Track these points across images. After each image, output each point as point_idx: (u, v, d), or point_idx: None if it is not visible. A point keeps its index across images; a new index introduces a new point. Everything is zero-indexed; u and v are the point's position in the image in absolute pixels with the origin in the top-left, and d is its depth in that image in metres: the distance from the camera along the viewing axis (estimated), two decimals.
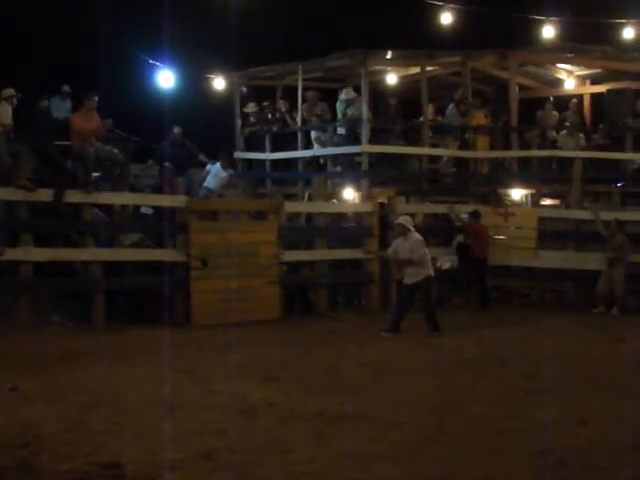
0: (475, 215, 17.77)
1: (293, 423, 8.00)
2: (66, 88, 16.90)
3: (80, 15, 21.72)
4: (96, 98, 15.06)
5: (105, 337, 13.01)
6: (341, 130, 19.33)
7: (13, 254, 13.62)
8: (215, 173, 19.04)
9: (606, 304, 16.80)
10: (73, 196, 14.30)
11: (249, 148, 21.44)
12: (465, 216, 18.03)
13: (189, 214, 14.97)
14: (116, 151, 15.64)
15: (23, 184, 13.78)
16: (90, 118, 15.00)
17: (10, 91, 14.44)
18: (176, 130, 19.08)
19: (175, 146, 18.98)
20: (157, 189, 16.93)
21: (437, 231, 18.72)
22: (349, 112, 19.33)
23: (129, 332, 13.34)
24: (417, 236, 13.88)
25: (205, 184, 18.92)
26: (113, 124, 15.87)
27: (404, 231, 13.91)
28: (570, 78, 22.35)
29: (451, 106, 20.28)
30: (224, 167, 19.15)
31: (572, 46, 20.42)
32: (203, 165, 19.49)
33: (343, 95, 19.60)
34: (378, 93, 21.04)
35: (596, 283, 16.91)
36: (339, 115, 19.64)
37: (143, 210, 16.40)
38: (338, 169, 19.53)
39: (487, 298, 17.31)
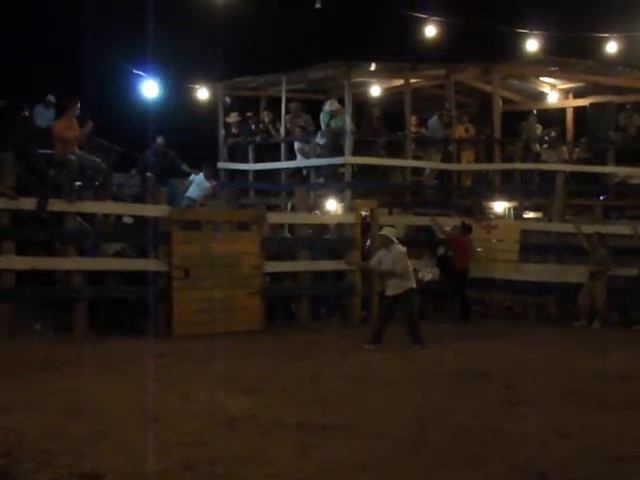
0: (465, 228, 17.82)
1: (274, 434, 7.99)
2: (51, 98, 16.88)
3: (65, 25, 21.74)
4: (78, 105, 15.05)
5: (86, 346, 12.94)
6: (324, 141, 19.37)
7: None
8: (198, 183, 19.08)
9: (588, 317, 16.88)
10: (56, 205, 14.28)
11: (232, 158, 21.45)
12: (448, 228, 18.08)
13: (171, 224, 14.96)
14: (99, 160, 15.63)
15: (4, 191, 13.76)
16: (72, 125, 14.99)
17: None
18: (159, 140, 19.11)
19: (158, 156, 19.00)
20: (138, 198, 16.90)
21: (419, 243, 18.74)
22: (333, 123, 19.38)
23: (110, 341, 13.30)
24: (400, 248, 13.88)
25: (188, 194, 18.95)
26: (94, 127, 15.82)
27: (387, 243, 13.93)
28: (553, 91, 22.48)
29: (433, 118, 20.38)
30: (207, 177, 19.19)
31: (555, 60, 20.48)
32: (186, 175, 19.51)
33: (327, 106, 19.63)
34: (362, 105, 21.11)
35: (578, 296, 17.01)
36: (323, 127, 19.66)
37: (125, 220, 16.38)
38: (321, 180, 19.56)
39: (468, 310, 17.36)
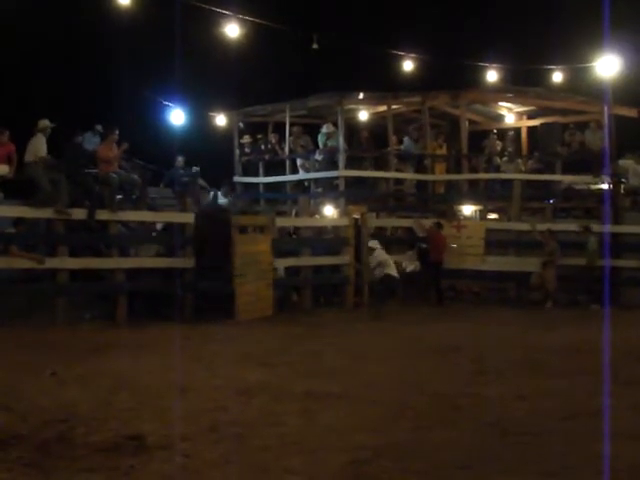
0: (438, 225, 17.90)
1: (284, 401, 8.00)
2: (99, 127, 16.84)
3: (108, 66, 21.98)
4: (117, 132, 15.13)
5: (127, 331, 12.98)
6: (321, 157, 19.41)
7: (51, 263, 13.61)
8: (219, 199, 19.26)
9: (540, 294, 16.90)
10: (101, 214, 14.32)
11: (245, 173, 21.47)
12: (428, 224, 18.11)
13: (234, 229, 14.70)
14: (136, 177, 15.65)
15: (60, 210, 13.77)
16: (112, 148, 15.09)
17: (45, 122, 14.16)
18: (180, 159, 19.14)
19: (180, 172, 19.09)
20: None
21: (402, 240, 18.79)
22: (329, 143, 19.40)
23: (147, 327, 13.27)
24: (379, 252, 16.26)
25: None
26: (132, 149, 15.84)
27: (370, 251, 16.33)
28: (510, 114, 22.48)
29: (406, 138, 20.46)
30: (225, 194, 19.33)
31: (511, 88, 20.55)
32: (201, 188, 19.50)
33: (324, 129, 19.66)
34: (352, 127, 21.09)
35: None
36: (320, 146, 19.71)
37: (158, 226, 16.34)
38: (319, 190, 19.57)
39: (442, 296, 17.37)
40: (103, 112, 18.99)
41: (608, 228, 17.15)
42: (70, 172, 14.42)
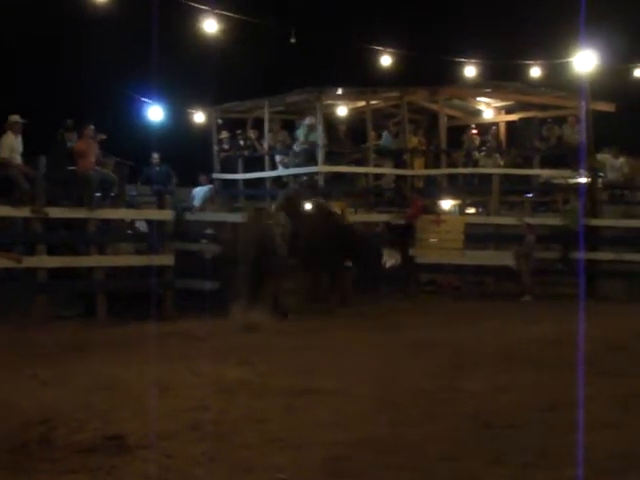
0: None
1: (266, 398, 7.97)
2: (70, 122, 16.71)
3: (86, 63, 21.89)
4: (92, 127, 15.03)
5: (107, 330, 12.90)
6: (300, 148, 19.34)
7: (29, 262, 13.50)
8: (202, 196, 19.19)
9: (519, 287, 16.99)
10: (79, 212, 14.22)
11: (224, 170, 21.41)
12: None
13: None
14: (113, 174, 15.56)
15: (37, 210, 13.66)
16: (89, 144, 14.99)
17: (14, 118, 13.87)
18: (155, 155, 19.06)
19: (156, 169, 19.04)
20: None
21: (382, 236, 18.82)
22: (310, 136, 19.33)
23: (127, 325, 13.18)
24: None
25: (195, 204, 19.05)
26: (105, 139, 15.71)
27: None
28: (488, 109, 22.55)
29: (385, 133, 20.47)
30: (203, 183, 19.31)
31: (490, 83, 20.65)
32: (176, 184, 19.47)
33: (307, 121, 19.54)
34: (331, 123, 21.07)
35: (512, 277, 17.19)
36: (302, 138, 19.62)
37: (138, 224, 16.27)
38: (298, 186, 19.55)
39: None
40: (80, 109, 18.85)
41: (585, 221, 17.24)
42: (54, 170, 14.34)
